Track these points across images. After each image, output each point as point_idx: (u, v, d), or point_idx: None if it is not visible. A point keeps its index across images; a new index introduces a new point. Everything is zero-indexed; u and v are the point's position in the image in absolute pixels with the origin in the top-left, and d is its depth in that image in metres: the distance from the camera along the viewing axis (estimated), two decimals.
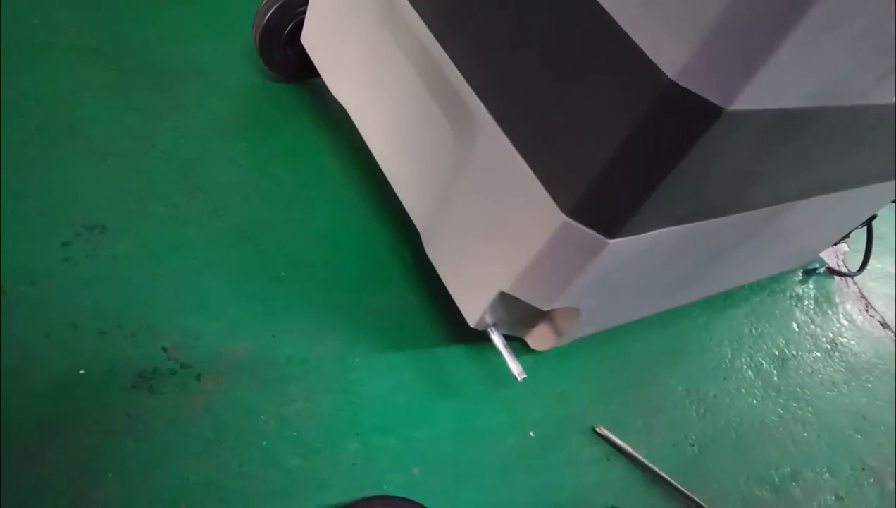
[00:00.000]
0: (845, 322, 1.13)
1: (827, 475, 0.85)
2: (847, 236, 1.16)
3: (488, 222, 0.59)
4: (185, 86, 0.80)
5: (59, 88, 0.73)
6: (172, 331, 0.61)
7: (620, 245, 0.53)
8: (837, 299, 1.17)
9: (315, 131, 0.84)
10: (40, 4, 0.78)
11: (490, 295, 0.61)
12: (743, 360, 0.94)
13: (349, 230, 0.77)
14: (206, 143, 0.76)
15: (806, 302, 1.13)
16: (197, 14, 0.89)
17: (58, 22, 0.78)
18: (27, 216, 0.62)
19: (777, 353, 0.98)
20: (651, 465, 0.73)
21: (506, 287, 0.59)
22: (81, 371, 0.56)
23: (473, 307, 0.63)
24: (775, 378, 0.94)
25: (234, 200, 0.73)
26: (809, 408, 0.92)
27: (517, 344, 0.74)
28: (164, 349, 0.60)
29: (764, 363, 0.95)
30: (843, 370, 1.02)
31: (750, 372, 0.92)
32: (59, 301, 0.59)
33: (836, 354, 1.05)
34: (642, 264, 0.61)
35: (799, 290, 1.14)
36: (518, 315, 0.67)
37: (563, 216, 0.51)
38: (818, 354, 1.03)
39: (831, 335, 1.08)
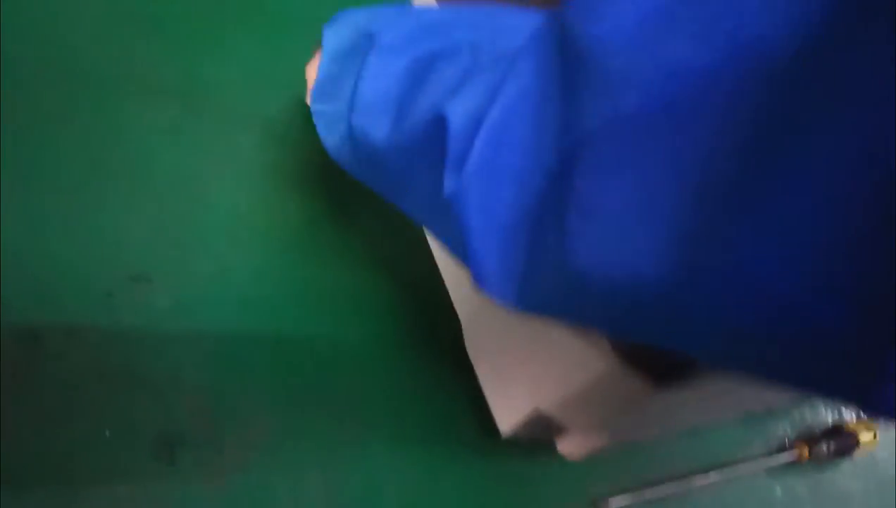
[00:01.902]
0: None
1: None
2: None
3: (536, 335, 0.57)
4: (250, 135, 0.80)
5: (123, 125, 0.73)
6: (202, 394, 0.61)
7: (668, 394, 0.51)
8: None
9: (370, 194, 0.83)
10: (114, 36, 0.78)
11: (526, 410, 0.59)
12: None
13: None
14: (263, 196, 0.76)
15: None
16: (271, 59, 0.89)
17: (129, 56, 0.78)
18: (75, 260, 0.63)
19: None
20: None
21: (543, 407, 0.57)
22: (107, 432, 0.56)
23: (507, 417, 0.62)
24: None
25: (279, 261, 0.72)
26: None
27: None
28: (191, 414, 0.60)
29: None
30: None
31: None
32: (95, 354, 0.59)
33: None
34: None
35: None
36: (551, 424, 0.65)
37: (613, 356, 0.49)
38: None
39: None
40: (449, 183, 0.40)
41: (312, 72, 0.72)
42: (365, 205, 0.80)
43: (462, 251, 0.41)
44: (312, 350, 0.68)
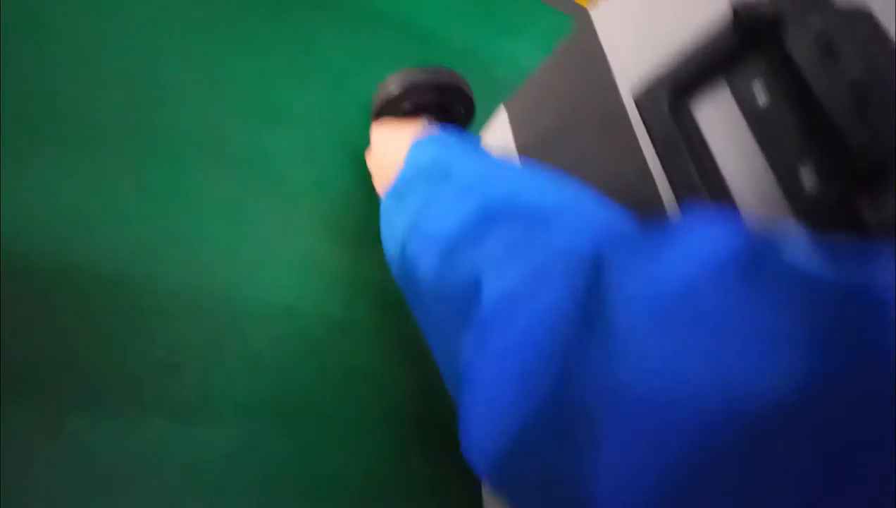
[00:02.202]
0: None
1: None
2: None
3: None
4: (304, 219, 0.80)
5: (174, 190, 0.74)
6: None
7: None
8: None
9: None
10: (183, 100, 0.79)
11: None
12: None
13: None
14: (303, 286, 0.75)
15: None
16: (328, 128, 0.88)
17: (198, 121, 0.79)
18: (110, 341, 0.63)
19: None
20: None
21: None
22: None
23: None
24: None
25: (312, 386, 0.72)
26: None
27: None
28: None
29: None
30: None
31: None
32: (115, 447, 0.59)
33: None
34: None
35: None
36: None
37: None
38: None
39: None
40: (466, 348, 0.40)
41: (370, 159, 0.72)
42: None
43: (455, 399, 0.42)
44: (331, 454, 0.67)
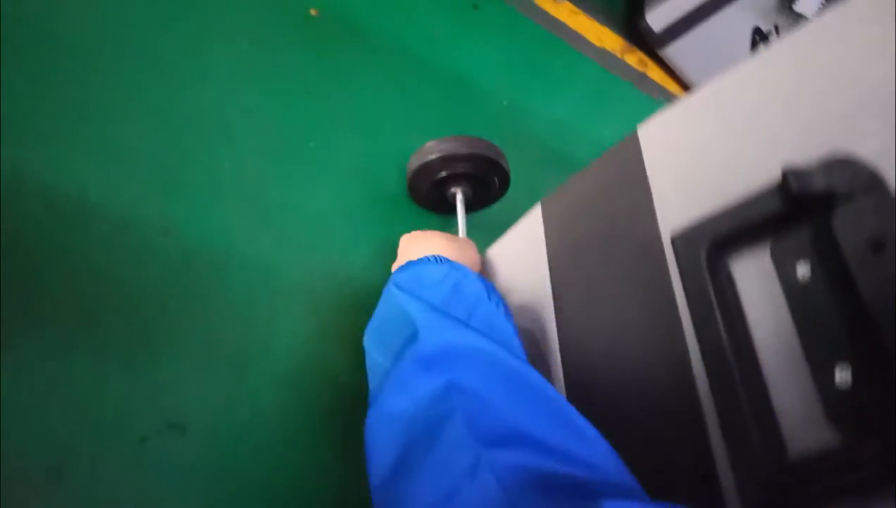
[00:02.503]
0: None
1: None
2: None
3: None
4: (296, 306, 0.79)
5: (205, 238, 0.74)
6: None
7: None
8: None
9: None
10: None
11: None
12: None
13: None
14: (318, 354, 0.75)
15: None
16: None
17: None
18: (122, 395, 0.63)
19: None
20: None
21: None
22: None
23: None
24: None
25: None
26: None
27: None
28: None
29: None
30: None
31: None
32: (111, 503, 0.59)
33: None
34: None
35: None
36: None
37: None
38: None
39: None
40: None
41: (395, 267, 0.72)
42: None
43: None
44: None
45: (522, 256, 0.67)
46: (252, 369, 0.70)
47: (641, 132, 0.56)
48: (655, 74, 1.49)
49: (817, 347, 0.39)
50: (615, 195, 0.57)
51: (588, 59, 1.37)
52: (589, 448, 0.42)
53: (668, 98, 1.49)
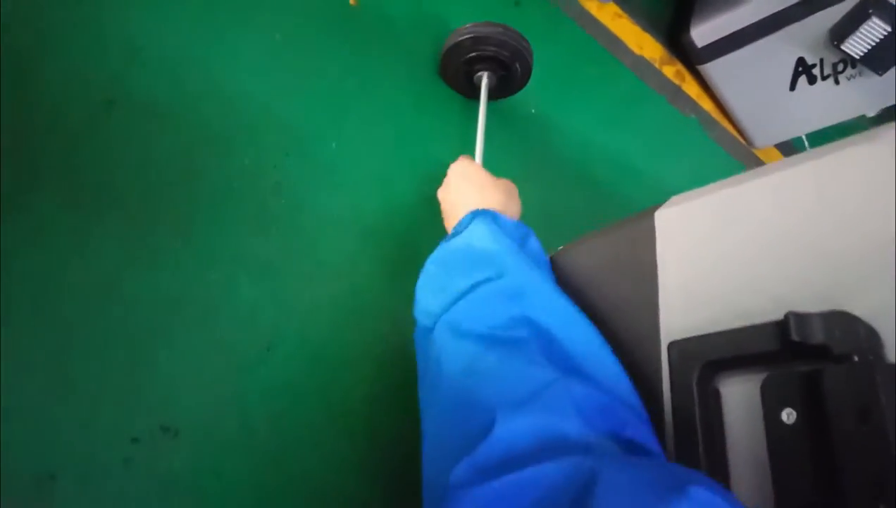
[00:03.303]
0: None
1: None
2: None
3: None
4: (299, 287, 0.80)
5: (214, 244, 0.75)
6: None
7: None
8: None
9: None
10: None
11: None
12: None
13: None
14: (316, 364, 0.77)
15: None
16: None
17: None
18: (118, 395, 0.65)
19: None
20: None
21: None
22: None
23: None
24: None
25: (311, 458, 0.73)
26: None
27: None
28: None
29: None
30: None
31: None
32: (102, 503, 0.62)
33: None
34: None
35: None
36: None
37: None
38: None
39: None
40: (458, 478, 0.43)
41: (442, 193, 0.79)
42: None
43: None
44: None
45: None
46: (250, 375, 0.71)
47: (658, 218, 0.56)
48: (691, 88, 1.46)
49: (787, 489, 0.41)
50: (622, 276, 0.58)
51: (624, 68, 1.35)
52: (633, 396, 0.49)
53: (700, 116, 1.46)
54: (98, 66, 0.72)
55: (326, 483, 0.72)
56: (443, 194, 0.81)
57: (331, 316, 0.79)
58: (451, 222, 0.74)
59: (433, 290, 0.62)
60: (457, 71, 0.98)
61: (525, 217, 0.92)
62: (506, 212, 0.70)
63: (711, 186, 0.56)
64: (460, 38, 0.92)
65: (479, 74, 0.97)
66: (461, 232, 0.65)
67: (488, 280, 0.57)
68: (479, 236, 0.63)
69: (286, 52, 0.86)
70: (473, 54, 0.94)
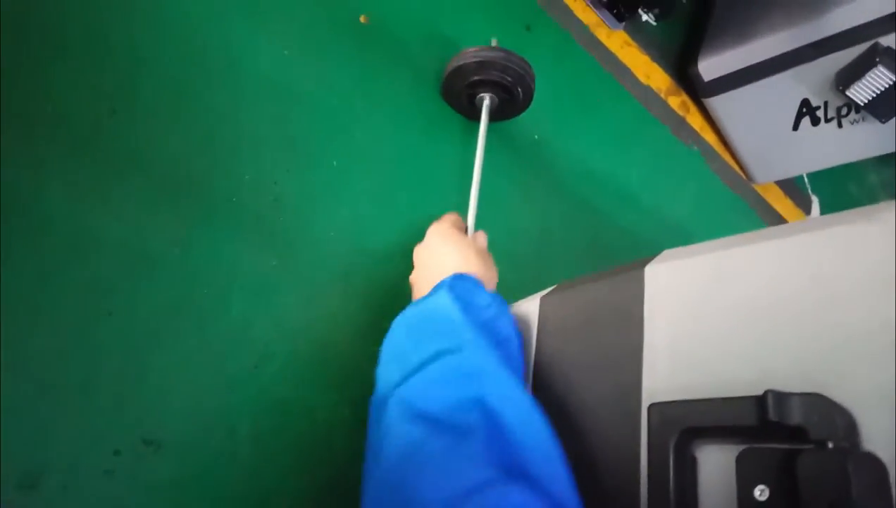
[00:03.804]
0: None
1: None
2: None
3: None
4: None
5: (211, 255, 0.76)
6: None
7: None
8: None
9: None
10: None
11: None
12: None
13: None
14: (298, 392, 0.77)
15: None
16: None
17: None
18: (103, 406, 0.66)
19: None
20: None
21: None
22: None
23: None
24: None
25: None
26: None
27: None
28: None
29: None
30: None
31: None
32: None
33: None
34: None
35: None
36: None
37: None
38: None
39: None
40: None
41: (417, 253, 0.79)
42: None
43: None
44: None
45: None
46: (237, 391, 0.72)
47: (648, 274, 0.57)
48: (695, 120, 1.47)
49: None
50: (609, 328, 0.58)
51: (630, 97, 1.35)
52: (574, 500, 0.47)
53: (703, 148, 1.47)
54: (102, 74, 0.72)
55: (308, 502, 0.73)
56: (420, 252, 0.79)
57: (322, 336, 0.79)
58: (422, 285, 0.73)
59: (395, 355, 0.62)
60: (459, 93, 0.98)
61: (522, 242, 0.92)
62: (483, 281, 0.69)
63: (703, 245, 0.57)
64: (464, 62, 0.93)
65: (481, 96, 0.97)
66: (433, 295, 0.65)
67: (448, 352, 0.57)
68: (447, 306, 0.62)
69: (294, 68, 0.87)
70: (476, 78, 0.95)
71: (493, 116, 1.00)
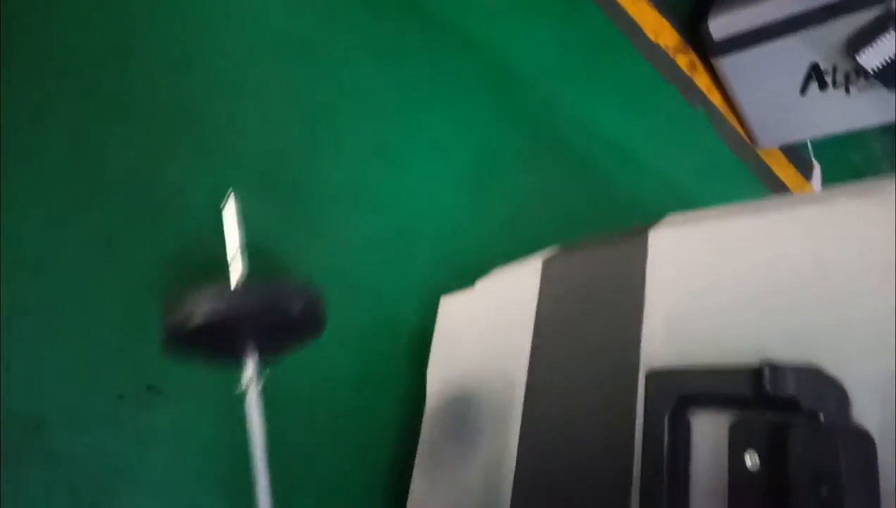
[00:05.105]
0: None
1: None
2: None
3: None
4: None
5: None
6: None
7: None
8: None
9: None
10: None
11: None
12: None
13: None
14: None
15: None
16: None
17: None
18: (106, 354, 0.66)
19: None
20: None
21: None
22: None
23: None
24: None
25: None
26: None
27: None
28: None
29: None
30: None
31: None
32: (80, 458, 0.64)
33: None
34: None
35: None
36: None
37: None
38: None
39: None
40: None
41: None
42: None
43: None
44: None
45: (511, 305, 0.69)
46: None
47: (652, 239, 0.57)
48: (702, 80, 1.45)
49: None
50: (611, 292, 0.59)
51: (638, 56, 1.33)
52: None
53: (708, 109, 1.46)
54: (107, 19, 0.70)
55: (308, 446, 0.74)
56: None
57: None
58: None
59: None
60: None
61: (526, 204, 0.92)
62: None
63: (707, 211, 0.57)
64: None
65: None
66: None
67: None
68: None
69: (300, 18, 0.85)
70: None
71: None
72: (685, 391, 0.48)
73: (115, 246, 0.68)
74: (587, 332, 0.60)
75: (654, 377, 0.50)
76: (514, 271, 0.71)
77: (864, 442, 0.41)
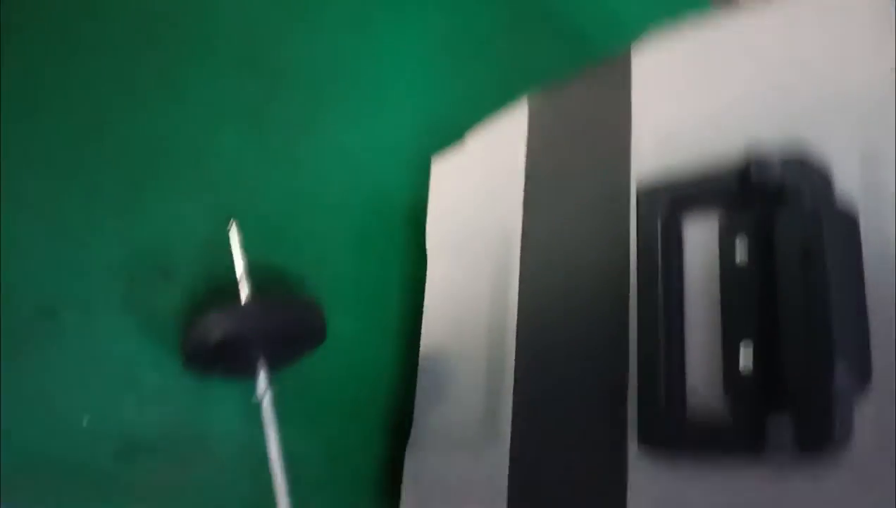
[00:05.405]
0: None
1: None
2: None
3: None
4: None
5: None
6: None
7: None
8: None
9: None
10: None
11: None
12: None
13: None
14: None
15: None
16: None
17: None
18: (111, 240, 0.67)
19: None
20: None
21: None
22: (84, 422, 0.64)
23: None
24: None
25: None
26: None
27: None
28: None
29: None
30: None
31: None
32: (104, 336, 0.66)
33: None
34: None
35: None
36: None
37: None
38: None
39: None
40: None
41: None
42: None
43: None
44: None
45: (502, 152, 0.69)
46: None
47: (636, 61, 0.57)
48: None
49: (733, 324, 0.45)
50: (598, 124, 0.59)
51: None
52: None
53: None
54: None
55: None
56: None
57: None
58: None
59: None
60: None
61: (508, 64, 0.89)
62: None
63: (690, 24, 0.56)
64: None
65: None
66: None
67: None
68: None
69: None
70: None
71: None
72: (675, 194, 0.48)
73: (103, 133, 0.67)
74: (577, 166, 0.60)
75: (644, 192, 0.51)
76: (502, 119, 0.70)
77: (847, 222, 0.42)
